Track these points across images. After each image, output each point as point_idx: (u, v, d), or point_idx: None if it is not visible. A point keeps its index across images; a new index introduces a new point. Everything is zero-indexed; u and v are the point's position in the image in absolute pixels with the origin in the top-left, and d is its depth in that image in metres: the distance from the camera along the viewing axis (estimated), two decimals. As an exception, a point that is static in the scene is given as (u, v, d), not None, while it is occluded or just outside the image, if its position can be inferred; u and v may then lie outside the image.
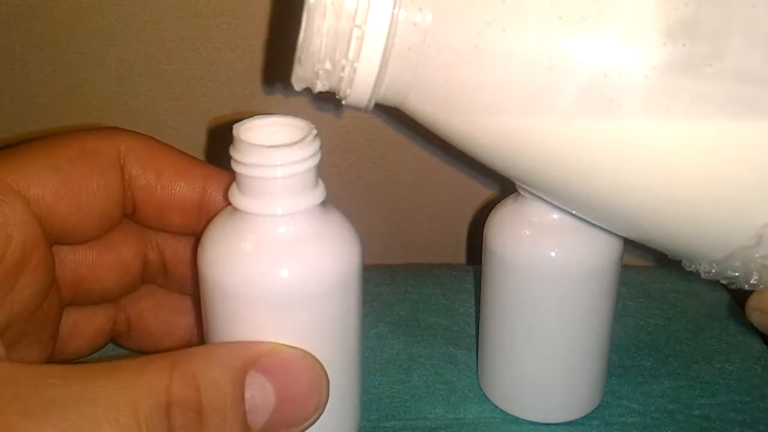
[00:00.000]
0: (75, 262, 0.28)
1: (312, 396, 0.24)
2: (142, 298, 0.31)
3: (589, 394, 0.34)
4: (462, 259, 0.50)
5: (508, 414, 0.34)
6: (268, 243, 0.24)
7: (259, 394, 0.23)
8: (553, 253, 0.30)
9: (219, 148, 0.44)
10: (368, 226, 0.48)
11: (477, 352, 0.37)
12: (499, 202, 0.33)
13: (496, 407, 0.35)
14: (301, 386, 0.24)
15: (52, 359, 0.28)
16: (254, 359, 0.23)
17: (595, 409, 0.34)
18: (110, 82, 0.42)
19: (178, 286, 0.31)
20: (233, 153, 0.24)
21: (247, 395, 0.23)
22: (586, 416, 0.34)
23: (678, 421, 0.34)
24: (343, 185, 0.46)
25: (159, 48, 0.42)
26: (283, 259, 0.24)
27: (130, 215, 0.29)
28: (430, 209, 0.48)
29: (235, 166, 0.24)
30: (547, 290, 0.31)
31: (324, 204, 0.25)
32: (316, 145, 0.24)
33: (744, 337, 0.39)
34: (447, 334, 0.40)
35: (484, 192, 0.47)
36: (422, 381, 0.36)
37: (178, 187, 0.28)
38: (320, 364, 0.25)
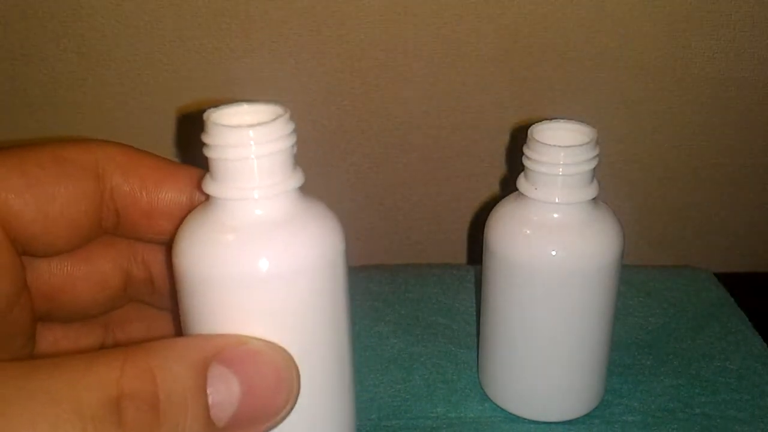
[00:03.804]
0: (49, 272, 0.27)
1: (281, 388, 0.23)
2: (132, 321, 0.30)
3: (590, 392, 0.34)
4: (462, 259, 0.50)
5: (509, 413, 0.34)
6: (246, 229, 0.23)
7: (223, 387, 0.22)
8: (553, 253, 0.30)
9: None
10: (368, 226, 0.48)
11: (477, 351, 0.37)
12: (499, 202, 0.33)
13: (497, 406, 0.35)
14: (269, 378, 0.23)
15: None
16: (216, 351, 0.22)
17: (596, 407, 0.34)
18: (110, 81, 0.43)
19: (167, 302, 0.30)
20: (205, 138, 0.23)
21: (209, 389, 0.21)
22: (586, 415, 0.34)
23: (678, 419, 0.34)
24: (343, 185, 0.46)
25: (159, 48, 0.42)
26: (261, 244, 0.23)
27: (114, 229, 0.28)
28: (430, 209, 0.48)
29: (207, 152, 0.23)
30: (547, 290, 0.31)
31: (302, 190, 0.25)
32: (290, 126, 0.24)
33: (744, 335, 0.39)
34: (447, 333, 0.40)
35: (484, 192, 0.47)
36: (423, 380, 0.36)
37: (164, 191, 0.27)
38: (290, 355, 0.23)
